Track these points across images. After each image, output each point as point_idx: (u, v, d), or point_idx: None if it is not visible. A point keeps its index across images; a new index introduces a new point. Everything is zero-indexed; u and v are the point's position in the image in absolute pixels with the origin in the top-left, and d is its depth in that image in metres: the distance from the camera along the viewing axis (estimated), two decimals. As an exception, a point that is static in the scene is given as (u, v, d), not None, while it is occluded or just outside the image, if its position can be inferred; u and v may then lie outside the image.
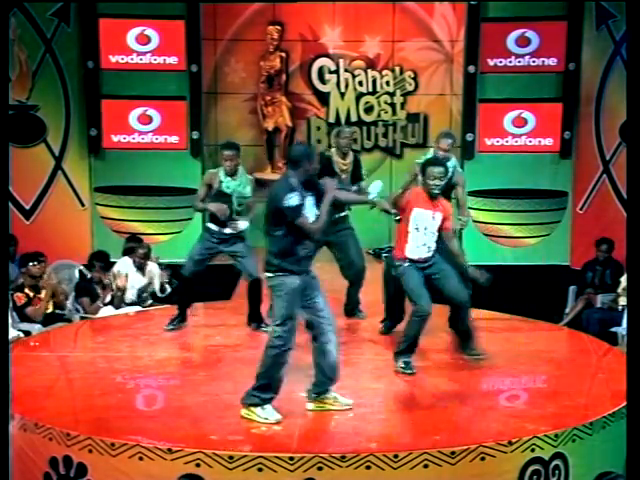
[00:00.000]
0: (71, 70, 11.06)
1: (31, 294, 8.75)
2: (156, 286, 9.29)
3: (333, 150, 7.87)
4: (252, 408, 5.62)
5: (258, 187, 7.76)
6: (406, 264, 6.53)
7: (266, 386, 5.62)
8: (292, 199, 5.44)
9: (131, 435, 5.32)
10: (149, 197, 11.26)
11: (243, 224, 7.50)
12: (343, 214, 7.69)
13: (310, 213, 5.57)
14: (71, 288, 9.47)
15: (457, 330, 6.88)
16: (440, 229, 6.55)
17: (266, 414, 5.58)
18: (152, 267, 9.33)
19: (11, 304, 8.55)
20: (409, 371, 6.49)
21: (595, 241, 10.44)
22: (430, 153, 7.62)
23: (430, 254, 6.57)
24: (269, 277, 5.64)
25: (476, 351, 6.73)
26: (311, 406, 5.82)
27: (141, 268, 9.15)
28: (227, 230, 7.48)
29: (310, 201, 5.60)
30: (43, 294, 8.76)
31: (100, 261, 9.51)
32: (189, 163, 11.21)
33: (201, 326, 8.03)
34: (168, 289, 9.43)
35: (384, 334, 7.46)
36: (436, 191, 6.50)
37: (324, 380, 5.78)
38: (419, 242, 6.52)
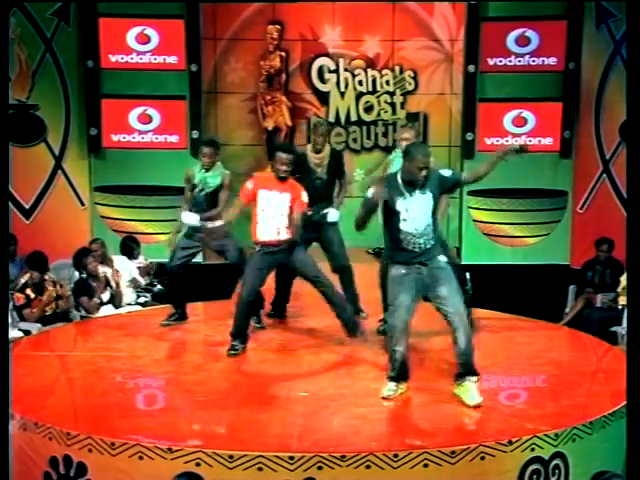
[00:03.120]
0: (71, 69, 11.06)
1: (32, 295, 8.73)
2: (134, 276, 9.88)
3: (309, 145, 7.86)
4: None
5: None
6: (257, 249, 6.87)
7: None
8: None
9: (131, 434, 5.32)
10: (149, 196, 11.26)
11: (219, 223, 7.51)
12: (327, 211, 7.71)
13: None
14: (71, 288, 9.47)
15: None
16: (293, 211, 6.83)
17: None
18: (121, 260, 9.89)
19: (12, 302, 8.55)
20: (232, 352, 6.86)
21: (595, 241, 10.44)
22: (398, 152, 7.35)
23: (282, 238, 6.81)
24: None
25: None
26: (454, 389, 5.97)
27: (103, 262, 9.53)
28: (209, 224, 7.50)
29: None
30: (45, 296, 8.74)
31: (85, 255, 9.45)
32: (189, 162, 11.15)
33: (201, 325, 8.04)
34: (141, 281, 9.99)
35: (382, 334, 7.45)
36: (283, 175, 6.80)
37: (458, 367, 5.93)
38: (266, 223, 6.79)
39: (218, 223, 7.48)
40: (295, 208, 6.83)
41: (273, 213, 6.80)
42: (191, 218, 7.55)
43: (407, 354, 5.96)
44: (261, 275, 6.93)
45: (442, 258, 5.93)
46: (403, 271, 5.84)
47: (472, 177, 6.12)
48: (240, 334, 6.95)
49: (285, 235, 6.82)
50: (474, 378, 5.91)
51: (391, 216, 5.82)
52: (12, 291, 8.73)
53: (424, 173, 5.72)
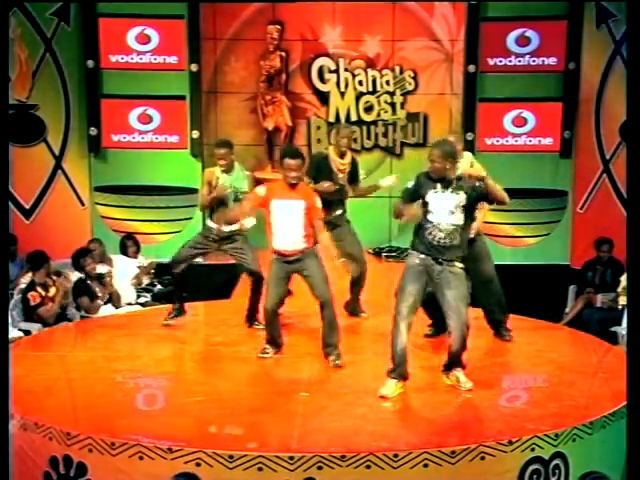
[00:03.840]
0: (71, 69, 11.06)
1: (43, 293, 8.72)
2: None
3: (331, 148, 7.83)
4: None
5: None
6: (275, 257, 6.73)
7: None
8: None
9: (131, 434, 5.32)
10: (149, 196, 11.27)
11: (249, 222, 7.51)
12: (339, 212, 7.70)
13: None
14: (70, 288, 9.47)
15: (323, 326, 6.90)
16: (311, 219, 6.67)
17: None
18: (121, 259, 10.02)
19: (12, 302, 8.54)
20: (262, 354, 6.87)
21: (595, 241, 10.44)
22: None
23: (297, 248, 6.67)
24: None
25: (335, 351, 6.74)
26: (444, 378, 6.26)
27: (102, 261, 9.63)
28: (226, 228, 7.50)
29: None
30: (52, 292, 8.72)
31: (84, 256, 9.44)
32: (189, 162, 11.22)
33: (201, 325, 8.04)
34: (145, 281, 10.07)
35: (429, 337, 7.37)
36: (293, 182, 6.62)
37: (448, 361, 6.21)
38: (281, 233, 6.66)
39: (234, 226, 7.47)
40: (314, 218, 6.66)
41: (288, 222, 6.62)
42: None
43: (406, 350, 6.04)
44: (282, 284, 6.81)
45: (459, 264, 6.09)
46: (417, 261, 6.06)
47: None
48: (273, 341, 6.94)
49: (302, 244, 6.67)
50: (459, 368, 6.20)
51: (423, 206, 6.09)
52: (12, 291, 8.73)
53: (436, 165, 5.99)
